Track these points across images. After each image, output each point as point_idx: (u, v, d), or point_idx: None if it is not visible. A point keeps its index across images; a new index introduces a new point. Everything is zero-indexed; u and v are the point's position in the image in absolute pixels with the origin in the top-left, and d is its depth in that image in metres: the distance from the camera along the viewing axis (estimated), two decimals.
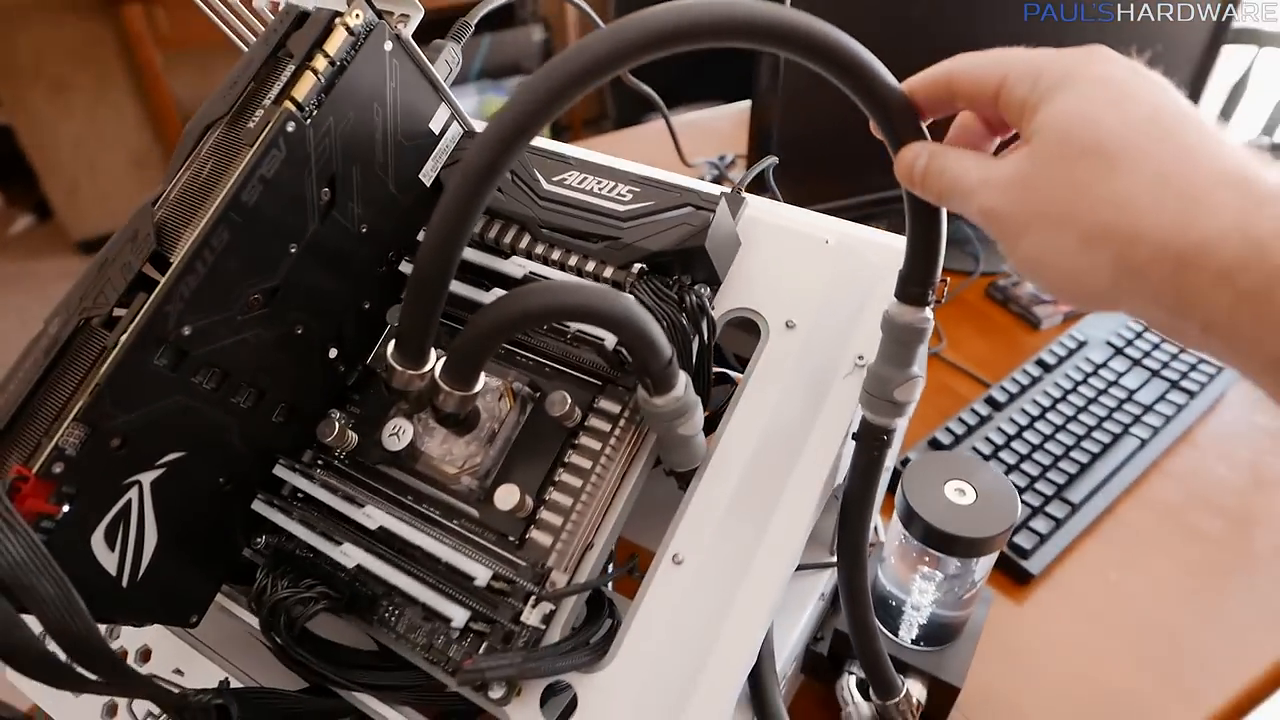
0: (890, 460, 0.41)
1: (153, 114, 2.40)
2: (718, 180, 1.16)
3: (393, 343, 0.34)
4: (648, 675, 0.37)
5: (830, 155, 0.95)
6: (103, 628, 0.40)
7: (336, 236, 0.40)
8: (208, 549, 0.41)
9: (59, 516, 0.33)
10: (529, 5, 2.71)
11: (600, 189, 0.42)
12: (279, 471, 0.42)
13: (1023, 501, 0.67)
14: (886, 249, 0.43)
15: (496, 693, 0.37)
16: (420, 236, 0.45)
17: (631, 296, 0.35)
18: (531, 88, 0.28)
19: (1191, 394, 0.82)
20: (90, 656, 0.30)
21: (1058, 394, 0.81)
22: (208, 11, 0.47)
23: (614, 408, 0.40)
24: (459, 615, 0.37)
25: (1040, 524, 0.69)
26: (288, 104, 0.36)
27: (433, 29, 0.46)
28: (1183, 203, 0.24)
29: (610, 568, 0.42)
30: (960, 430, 0.78)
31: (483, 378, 0.36)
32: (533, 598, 0.37)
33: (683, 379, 0.36)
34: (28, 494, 0.32)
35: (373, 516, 0.40)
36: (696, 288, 0.40)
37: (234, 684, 0.42)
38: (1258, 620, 0.64)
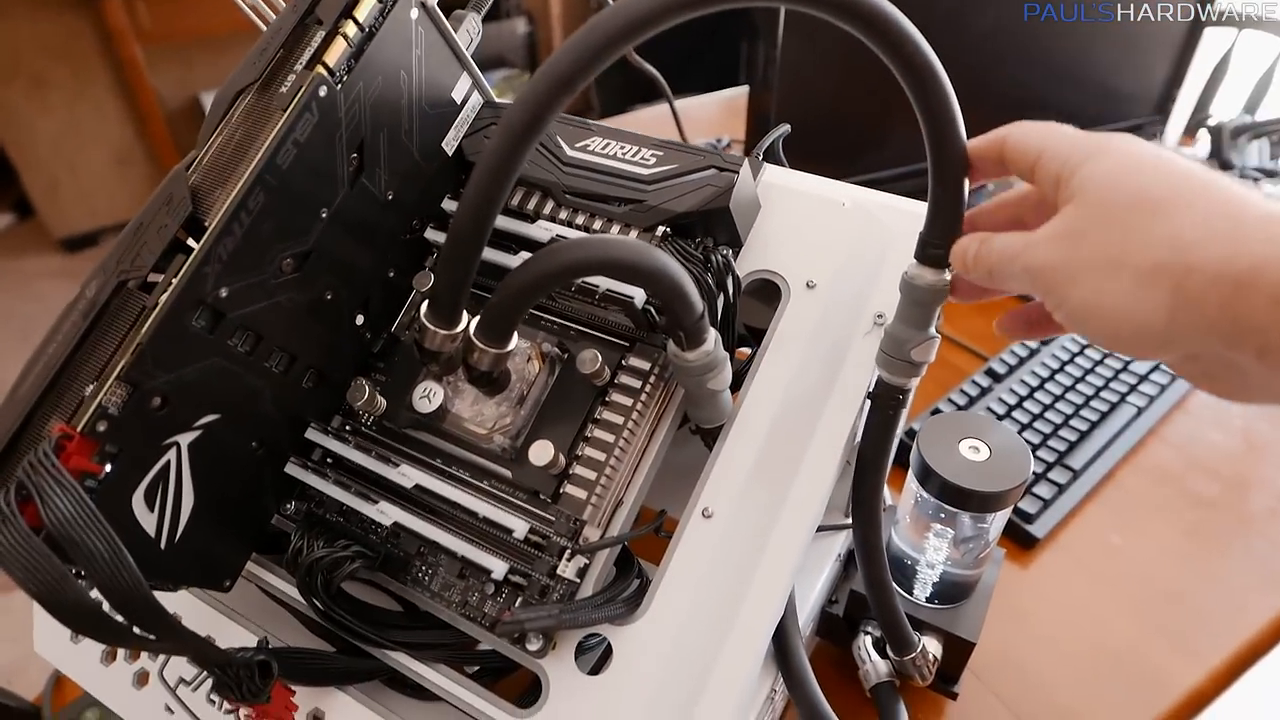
0: (902, 423, 0.42)
1: (135, 110, 2.36)
2: None
3: (425, 304, 0.34)
4: (681, 626, 0.38)
5: (826, 137, 0.96)
6: None
7: (364, 203, 0.41)
8: (241, 513, 0.41)
9: (101, 476, 0.33)
10: None
11: (624, 154, 0.43)
12: (311, 435, 0.43)
13: None
14: (900, 212, 0.44)
15: (534, 645, 0.38)
16: (444, 205, 0.45)
17: (665, 251, 0.36)
18: (573, 45, 0.28)
19: None
20: (140, 612, 0.30)
21: (1055, 365, 0.83)
22: None
23: (644, 364, 0.41)
24: (499, 567, 0.38)
25: (1043, 490, 0.70)
26: (320, 69, 0.37)
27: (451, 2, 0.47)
28: (1233, 235, 0.25)
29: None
30: (962, 402, 0.79)
31: (514, 338, 0.36)
32: (568, 551, 0.38)
33: (713, 334, 0.37)
34: (73, 452, 0.32)
35: (408, 475, 0.41)
36: (720, 248, 0.41)
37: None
38: (1255, 579, 0.66)
